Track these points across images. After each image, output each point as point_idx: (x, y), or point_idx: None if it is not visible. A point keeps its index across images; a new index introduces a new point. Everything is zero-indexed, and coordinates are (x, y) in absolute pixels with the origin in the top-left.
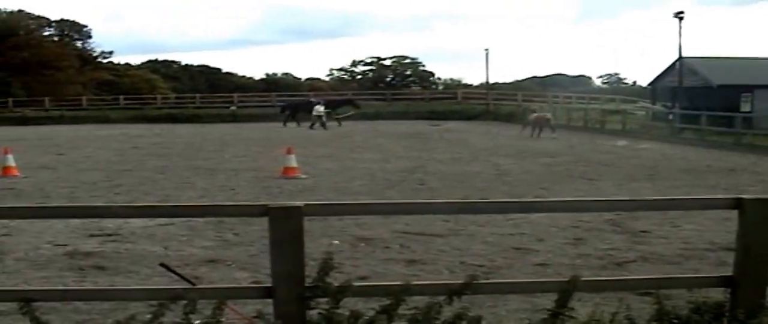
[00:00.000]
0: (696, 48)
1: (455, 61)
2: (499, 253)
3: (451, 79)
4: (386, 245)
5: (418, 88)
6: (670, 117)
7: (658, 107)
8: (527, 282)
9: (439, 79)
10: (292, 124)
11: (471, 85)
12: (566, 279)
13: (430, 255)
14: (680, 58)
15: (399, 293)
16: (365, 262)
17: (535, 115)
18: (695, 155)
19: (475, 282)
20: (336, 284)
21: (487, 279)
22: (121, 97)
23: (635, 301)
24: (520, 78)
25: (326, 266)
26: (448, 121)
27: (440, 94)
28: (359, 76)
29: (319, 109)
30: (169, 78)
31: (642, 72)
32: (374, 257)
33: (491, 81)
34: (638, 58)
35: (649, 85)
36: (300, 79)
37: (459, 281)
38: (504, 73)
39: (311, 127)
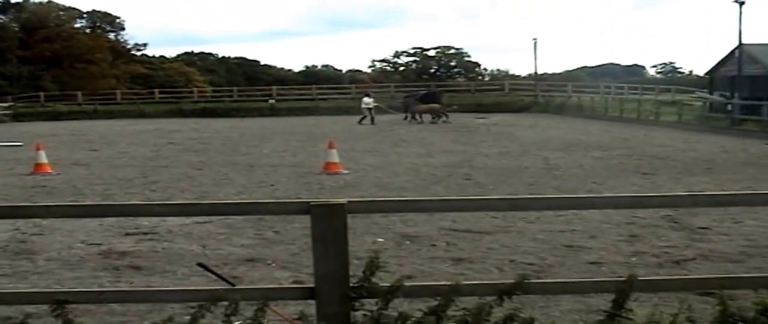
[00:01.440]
0: (757, 34)
1: (502, 51)
2: (550, 251)
3: (498, 70)
4: (432, 243)
5: (464, 79)
6: (729, 107)
7: (716, 97)
8: (581, 281)
9: (485, 69)
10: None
11: (518, 76)
12: (621, 278)
13: (478, 253)
14: (740, 45)
15: (448, 294)
16: (410, 261)
17: (422, 106)
18: (756, 148)
19: (526, 281)
20: (382, 284)
21: (538, 278)
22: (156, 90)
23: (696, 302)
24: (570, 68)
25: (373, 265)
26: (494, 113)
27: (486, 85)
28: (402, 68)
29: (368, 101)
30: (205, 71)
31: (699, 61)
32: (420, 255)
33: (540, 71)
34: (695, 46)
35: (706, 74)
36: (341, 71)
37: (509, 281)
38: (553, 64)
39: (371, 121)
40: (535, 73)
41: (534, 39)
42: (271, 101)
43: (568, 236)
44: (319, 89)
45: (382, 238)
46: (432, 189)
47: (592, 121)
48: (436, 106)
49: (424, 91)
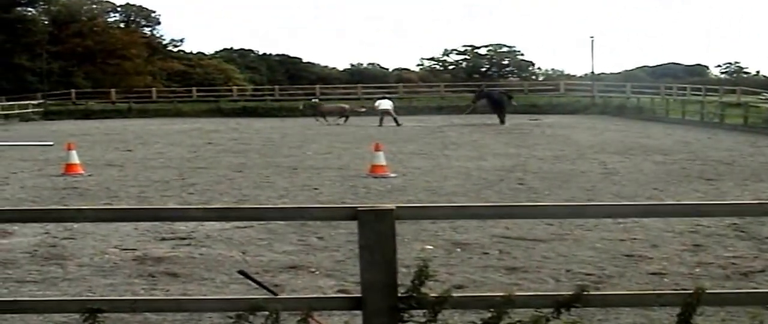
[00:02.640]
0: None
1: (557, 49)
2: (610, 261)
3: (553, 69)
4: (484, 251)
5: (517, 78)
6: None
7: None
8: (643, 294)
9: (539, 69)
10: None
11: (574, 76)
12: (685, 290)
13: (532, 262)
14: None
15: (501, 305)
16: (461, 270)
17: (329, 105)
18: None
19: (585, 293)
20: (432, 294)
21: (597, 289)
22: (194, 88)
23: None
24: (628, 68)
25: (422, 274)
26: (549, 114)
27: (541, 85)
28: (452, 66)
29: (384, 103)
30: (245, 68)
31: (766, 60)
32: (471, 264)
33: (597, 71)
34: (762, 44)
35: None
36: (387, 69)
37: (567, 292)
38: (611, 63)
39: (379, 123)
40: (592, 72)
41: (591, 37)
42: (314, 100)
43: (628, 245)
44: (365, 88)
45: (431, 245)
46: (483, 194)
47: (653, 123)
48: (345, 106)
49: (499, 90)
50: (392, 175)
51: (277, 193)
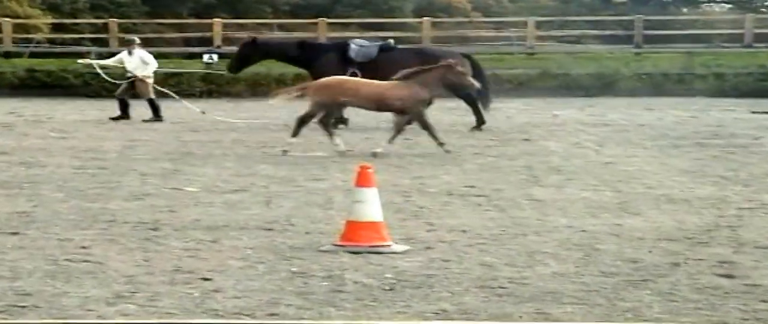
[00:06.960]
0: None
1: None
2: None
3: None
4: None
5: (722, 9)
6: None
7: None
8: None
9: None
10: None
11: None
12: None
13: None
14: None
15: None
16: None
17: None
18: None
19: None
20: None
21: None
22: None
23: None
24: None
25: None
26: None
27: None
28: None
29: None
30: None
31: None
32: None
33: None
34: None
35: None
36: None
37: None
38: None
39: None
40: None
41: None
42: (208, 58)
43: None
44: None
45: None
46: (629, 298)
47: None
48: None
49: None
50: (399, 248)
51: (110, 289)
